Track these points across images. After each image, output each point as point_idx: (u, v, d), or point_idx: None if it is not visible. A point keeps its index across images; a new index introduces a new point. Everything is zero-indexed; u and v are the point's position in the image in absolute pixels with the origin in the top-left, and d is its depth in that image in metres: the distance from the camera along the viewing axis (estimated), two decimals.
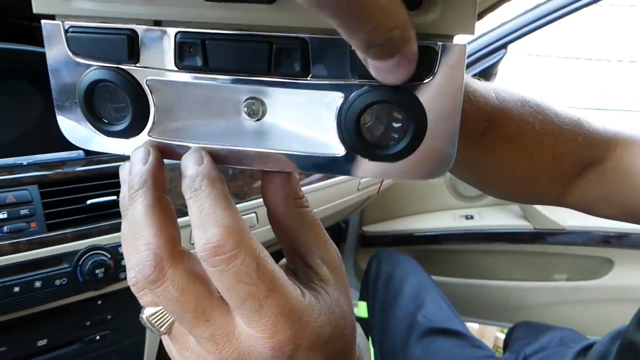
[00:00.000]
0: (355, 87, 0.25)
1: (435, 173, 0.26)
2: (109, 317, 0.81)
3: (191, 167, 0.26)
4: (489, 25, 1.33)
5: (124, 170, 0.30)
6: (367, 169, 0.27)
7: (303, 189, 0.31)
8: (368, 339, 1.13)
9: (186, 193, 0.26)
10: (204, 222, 0.24)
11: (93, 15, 0.27)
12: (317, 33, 0.24)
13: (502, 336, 1.91)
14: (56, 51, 0.28)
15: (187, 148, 0.28)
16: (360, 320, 1.18)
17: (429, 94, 0.24)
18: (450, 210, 1.60)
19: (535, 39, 1.31)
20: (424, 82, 0.24)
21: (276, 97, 0.27)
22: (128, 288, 0.78)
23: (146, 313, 0.29)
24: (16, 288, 0.66)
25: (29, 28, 0.84)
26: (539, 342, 0.98)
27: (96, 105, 0.28)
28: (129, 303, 0.83)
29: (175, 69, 0.26)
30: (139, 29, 0.26)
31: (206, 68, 0.26)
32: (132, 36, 0.26)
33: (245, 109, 0.27)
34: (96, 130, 0.29)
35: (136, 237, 0.26)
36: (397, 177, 0.27)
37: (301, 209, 0.29)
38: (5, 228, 0.66)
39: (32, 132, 0.83)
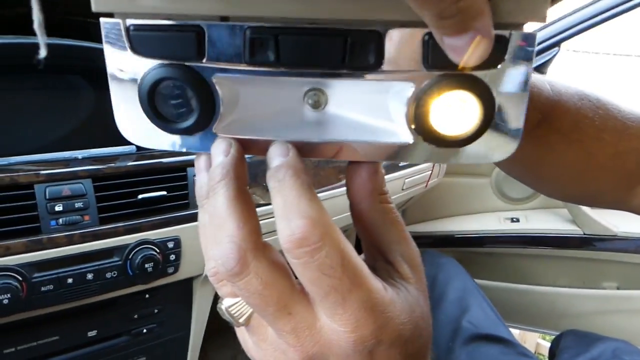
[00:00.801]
0: (426, 77, 0.25)
1: (499, 155, 0.28)
2: (155, 310, 0.82)
3: (277, 158, 0.26)
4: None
5: (200, 160, 0.30)
6: (435, 155, 0.28)
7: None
8: None
9: (270, 182, 0.26)
10: (288, 212, 0.24)
11: (157, 13, 0.26)
12: (389, 25, 0.25)
13: (544, 343, 1.86)
14: (116, 50, 0.28)
15: (252, 142, 0.28)
16: None
17: (499, 82, 0.25)
18: (495, 212, 1.56)
19: (582, 36, 1.26)
20: (495, 69, 0.25)
21: (342, 87, 0.27)
22: (175, 283, 0.79)
23: (225, 304, 0.29)
24: (69, 279, 0.68)
25: (84, 24, 0.85)
26: (590, 353, 0.94)
27: (160, 103, 0.28)
28: (176, 298, 0.84)
29: (245, 64, 0.26)
30: (205, 25, 0.26)
31: (278, 63, 0.26)
32: (200, 32, 0.26)
33: (309, 100, 0.27)
34: (158, 128, 0.29)
35: (218, 229, 0.25)
36: (463, 161, 0.28)
37: (385, 205, 0.29)
38: (60, 220, 0.68)
39: (85, 125, 0.84)
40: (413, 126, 0.26)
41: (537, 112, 0.38)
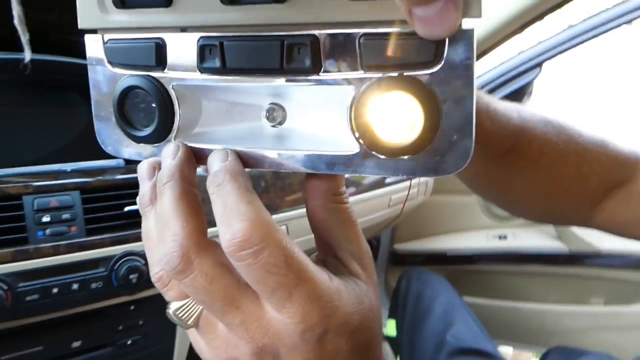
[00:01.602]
0: (365, 80, 0.25)
1: (452, 168, 0.25)
2: (140, 322, 0.83)
3: (215, 163, 0.27)
4: (523, 45, 1.32)
5: (142, 169, 0.30)
6: (382, 166, 0.26)
7: None
8: (396, 358, 1.12)
9: (210, 188, 0.26)
10: (228, 217, 0.25)
11: (127, 27, 0.29)
12: (330, 28, 0.25)
13: None
14: (96, 62, 0.30)
15: (210, 152, 0.29)
16: (389, 339, 1.17)
17: (440, 82, 0.24)
18: (483, 230, 1.58)
19: (570, 56, 1.30)
20: (434, 69, 0.24)
21: (293, 98, 0.27)
22: (160, 294, 0.80)
23: (172, 308, 0.29)
24: (54, 289, 0.69)
25: (69, 43, 0.88)
26: None
27: (128, 113, 0.30)
28: (161, 309, 0.84)
29: (198, 72, 0.28)
30: (167, 36, 0.28)
31: (224, 69, 0.27)
32: (160, 44, 0.28)
33: (267, 114, 0.28)
34: (127, 137, 0.31)
35: (163, 229, 0.26)
36: (414, 174, 0.26)
37: (338, 205, 0.30)
38: (47, 231, 0.70)
39: (78, 140, 0.87)
40: (357, 134, 0.26)
41: (507, 139, 0.40)
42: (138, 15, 0.28)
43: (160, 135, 0.30)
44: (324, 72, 0.26)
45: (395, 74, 0.25)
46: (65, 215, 0.71)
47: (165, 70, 0.29)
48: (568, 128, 0.43)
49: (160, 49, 0.28)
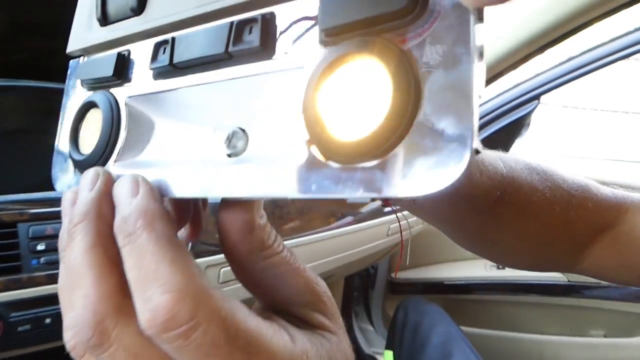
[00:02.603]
0: (319, 54, 0.19)
1: (439, 180, 0.15)
2: None
3: (124, 201, 0.21)
4: (521, 77, 1.33)
5: (66, 199, 0.24)
6: (334, 179, 0.17)
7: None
8: None
9: (118, 238, 0.20)
10: (145, 286, 0.19)
11: (106, 42, 0.26)
12: (279, 3, 0.20)
13: None
14: (72, 85, 0.28)
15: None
16: None
17: (418, 41, 0.16)
18: (481, 260, 1.57)
19: (571, 91, 1.31)
20: (409, 24, 0.16)
21: (244, 99, 0.22)
22: None
23: None
24: (47, 319, 0.68)
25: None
26: None
27: (80, 135, 0.27)
28: None
29: (150, 76, 0.24)
30: (133, 47, 0.25)
31: (173, 67, 0.23)
32: (123, 55, 0.25)
33: (225, 136, 0.22)
34: (71, 162, 0.27)
35: (72, 287, 0.20)
36: (378, 191, 0.16)
37: (270, 260, 0.23)
38: (42, 259, 0.69)
39: None
40: (307, 135, 0.18)
41: (495, 189, 0.39)
42: (115, 30, 0.26)
43: (100, 160, 0.25)
44: (278, 54, 0.20)
45: (355, 38, 0.18)
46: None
47: (125, 84, 0.25)
48: (552, 174, 0.42)
49: (120, 60, 0.25)
